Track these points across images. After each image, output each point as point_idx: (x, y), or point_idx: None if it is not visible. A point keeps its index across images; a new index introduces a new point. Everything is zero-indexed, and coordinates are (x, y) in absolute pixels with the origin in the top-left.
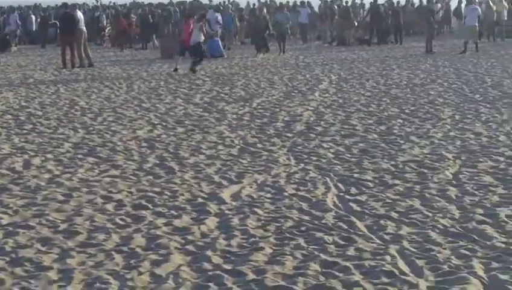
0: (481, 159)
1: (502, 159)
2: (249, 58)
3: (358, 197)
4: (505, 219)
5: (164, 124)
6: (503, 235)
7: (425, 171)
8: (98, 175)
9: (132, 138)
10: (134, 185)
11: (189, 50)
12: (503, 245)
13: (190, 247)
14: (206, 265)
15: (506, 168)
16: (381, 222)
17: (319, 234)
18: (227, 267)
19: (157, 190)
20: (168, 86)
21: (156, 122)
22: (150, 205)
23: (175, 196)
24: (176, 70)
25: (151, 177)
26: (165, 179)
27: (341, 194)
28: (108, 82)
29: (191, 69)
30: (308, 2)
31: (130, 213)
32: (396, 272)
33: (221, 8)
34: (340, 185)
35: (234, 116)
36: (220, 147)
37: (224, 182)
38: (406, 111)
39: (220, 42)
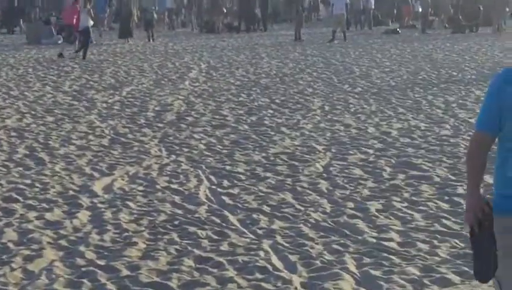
0: (351, 152)
1: (371, 151)
2: (118, 44)
3: (230, 190)
4: (376, 213)
5: (33, 112)
6: (374, 230)
7: (297, 163)
8: None
9: (1, 128)
10: (4, 176)
11: (76, 34)
12: (374, 240)
13: (63, 242)
14: (79, 261)
15: (375, 160)
16: (254, 216)
17: (192, 229)
18: (101, 262)
19: (27, 181)
20: (36, 73)
21: (24, 111)
22: (20, 198)
23: (46, 189)
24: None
25: (21, 168)
26: (36, 170)
27: (213, 187)
28: None
29: (59, 56)
30: None
31: (1, 206)
32: (270, 267)
33: None
34: (212, 177)
35: (104, 105)
36: (90, 137)
37: (96, 174)
38: (276, 101)
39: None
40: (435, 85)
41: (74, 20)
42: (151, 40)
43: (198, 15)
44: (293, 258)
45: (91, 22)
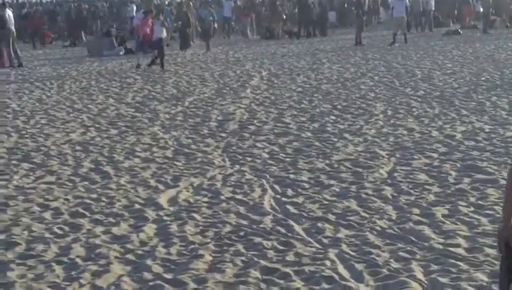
0: (415, 156)
1: (435, 155)
2: (179, 54)
3: (295, 199)
4: (442, 219)
5: (97, 125)
6: (441, 236)
7: (360, 170)
8: (34, 182)
9: (66, 142)
10: (71, 191)
11: (149, 46)
12: (440, 246)
13: (130, 256)
14: (147, 275)
15: (440, 165)
16: (319, 224)
17: (257, 239)
18: (168, 276)
19: (93, 196)
20: (99, 86)
21: (89, 124)
22: (87, 213)
23: (112, 202)
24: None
25: (87, 182)
26: (101, 184)
27: (278, 196)
28: (39, 82)
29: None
30: None
31: (68, 221)
32: (337, 277)
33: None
34: (276, 186)
35: (167, 116)
36: (154, 149)
37: (161, 186)
38: (338, 107)
39: None
40: (498, 86)
41: (148, 31)
42: (207, 51)
43: (258, 22)
44: (359, 267)
45: (165, 33)
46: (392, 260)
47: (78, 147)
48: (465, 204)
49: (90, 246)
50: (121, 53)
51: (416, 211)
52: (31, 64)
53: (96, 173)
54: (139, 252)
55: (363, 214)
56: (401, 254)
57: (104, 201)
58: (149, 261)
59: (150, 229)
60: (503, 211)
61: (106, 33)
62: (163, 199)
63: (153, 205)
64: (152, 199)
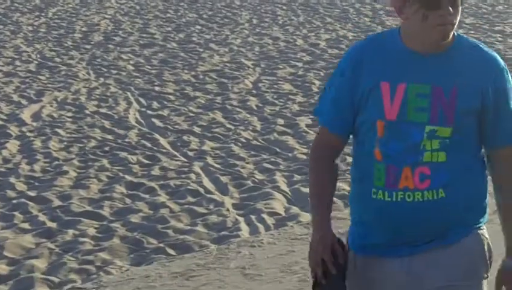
0: (280, 66)
1: (300, 64)
2: None
3: (160, 112)
4: (306, 129)
5: None
6: (304, 146)
7: (226, 81)
8: None
9: None
10: None
11: None
12: (304, 157)
13: None
14: (10, 192)
15: (304, 74)
16: (184, 137)
17: (123, 154)
18: (32, 193)
19: None
20: None
21: None
22: None
23: None
24: None
25: None
26: None
27: (143, 109)
28: None
29: None
30: None
31: None
32: (202, 190)
33: None
34: (141, 99)
35: (30, 28)
36: (17, 62)
37: (24, 101)
38: (204, 16)
39: None
40: None
41: None
42: None
43: None
44: (224, 179)
45: None
46: (256, 172)
47: None
48: None
49: None
50: None
51: (281, 121)
52: None
53: None
54: (2, 169)
55: (228, 126)
56: (265, 165)
57: None
58: (12, 179)
59: (12, 145)
60: (313, 216)
61: None
62: (26, 115)
63: (16, 121)
64: (15, 114)
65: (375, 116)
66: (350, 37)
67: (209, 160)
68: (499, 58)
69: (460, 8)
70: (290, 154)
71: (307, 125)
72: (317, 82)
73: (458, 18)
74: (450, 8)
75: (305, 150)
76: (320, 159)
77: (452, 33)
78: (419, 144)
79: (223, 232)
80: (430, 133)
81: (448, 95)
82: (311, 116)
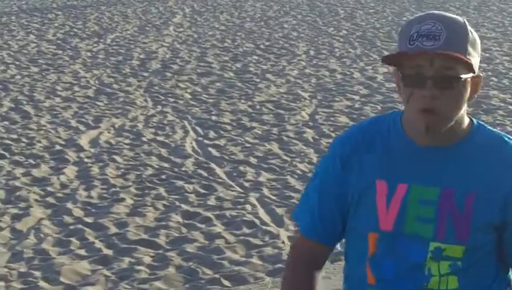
0: (336, 98)
1: (356, 98)
2: None
3: (216, 142)
4: None
5: (17, 63)
6: None
7: (282, 112)
8: None
9: None
10: None
11: None
12: None
13: (50, 199)
14: (67, 218)
15: (361, 107)
16: (241, 168)
17: (179, 183)
18: (89, 220)
19: (13, 136)
20: (19, 21)
21: (9, 62)
22: (7, 154)
23: (32, 143)
24: None
25: (6, 122)
26: (21, 124)
27: (199, 138)
28: None
29: None
30: None
31: None
32: (258, 221)
33: None
34: (198, 128)
35: (88, 53)
36: (75, 88)
37: (82, 127)
38: (261, 46)
39: None
40: None
41: None
42: None
43: None
44: (280, 211)
45: None
46: None
47: None
48: None
49: (9, 189)
50: None
51: None
52: None
53: (16, 112)
54: (60, 195)
55: (285, 158)
56: None
57: (24, 142)
58: (69, 205)
59: (70, 171)
60: None
61: None
62: (84, 140)
63: (74, 146)
64: (73, 140)
65: (367, 226)
66: None
67: (265, 191)
68: None
69: (458, 95)
70: None
71: None
72: (373, 116)
73: (454, 108)
74: (435, 90)
75: None
76: (296, 271)
77: (449, 125)
78: (422, 266)
79: (278, 265)
80: (435, 251)
81: (462, 203)
82: None
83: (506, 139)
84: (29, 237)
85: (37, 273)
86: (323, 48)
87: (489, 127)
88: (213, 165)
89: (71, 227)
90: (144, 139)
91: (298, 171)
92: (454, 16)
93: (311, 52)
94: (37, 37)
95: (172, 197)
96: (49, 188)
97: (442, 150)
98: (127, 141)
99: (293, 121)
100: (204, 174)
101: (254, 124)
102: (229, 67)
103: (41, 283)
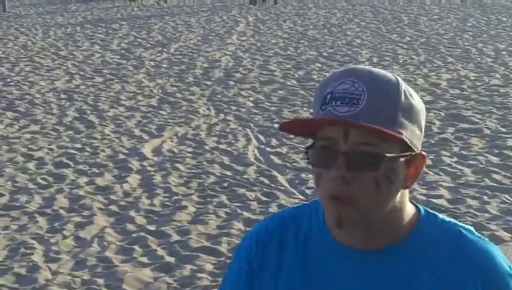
0: None
1: None
2: None
3: (278, 149)
4: (425, 169)
5: (82, 73)
6: (423, 187)
7: None
8: (18, 131)
9: (50, 90)
10: (55, 141)
11: None
12: (423, 197)
13: (113, 207)
14: (130, 226)
15: None
16: (303, 175)
17: (241, 190)
18: (151, 227)
19: (77, 146)
20: (84, 32)
21: (73, 72)
22: (71, 163)
23: (96, 152)
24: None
25: (71, 132)
26: (85, 133)
27: (262, 146)
28: (24, 28)
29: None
30: None
31: (52, 172)
32: None
33: None
34: (260, 136)
35: (152, 63)
36: (139, 97)
37: (145, 136)
38: (324, 54)
39: None
40: (485, 32)
41: None
42: None
43: None
44: None
45: None
46: None
47: (62, 95)
48: (448, 154)
49: (73, 197)
50: None
51: None
52: (16, 9)
53: (81, 122)
54: (123, 203)
55: None
56: None
57: (88, 151)
58: (132, 213)
59: (133, 180)
60: None
61: None
62: (147, 149)
63: (137, 155)
64: (136, 149)
65: None
66: (472, 78)
67: None
68: (496, 254)
69: (382, 180)
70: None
71: (427, 166)
72: (437, 122)
73: (376, 198)
74: (347, 171)
75: (425, 191)
76: None
77: (372, 219)
78: None
79: None
80: None
81: None
82: (431, 157)
83: (465, 234)
84: (92, 245)
85: (100, 281)
86: (386, 55)
87: (442, 217)
88: (275, 173)
89: (134, 235)
90: (207, 147)
91: None
92: (384, 73)
93: (374, 59)
94: (101, 47)
95: (234, 205)
96: (112, 197)
97: (372, 256)
98: (190, 150)
99: None
100: (266, 181)
101: None
102: (291, 75)
103: None
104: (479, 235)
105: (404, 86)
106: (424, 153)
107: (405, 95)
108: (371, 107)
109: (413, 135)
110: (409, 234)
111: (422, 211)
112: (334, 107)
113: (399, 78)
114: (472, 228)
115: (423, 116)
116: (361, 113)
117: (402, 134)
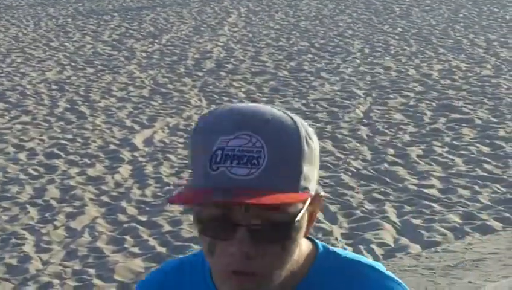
0: (391, 96)
1: (411, 95)
2: None
3: None
4: (416, 159)
5: (73, 64)
6: (415, 177)
7: (336, 109)
8: (9, 122)
9: (41, 81)
10: (46, 132)
11: None
12: (415, 187)
13: (104, 197)
14: (121, 217)
15: (416, 104)
16: None
17: None
18: (143, 218)
19: (69, 136)
20: (76, 23)
21: (65, 63)
22: (62, 154)
23: (87, 143)
24: None
25: (62, 123)
26: (77, 124)
27: None
28: (15, 20)
29: None
30: None
31: (43, 162)
32: None
33: None
34: None
35: (143, 54)
36: (130, 88)
37: (136, 127)
38: (316, 45)
39: None
40: (476, 23)
41: None
42: None
43: None
44: (333, 208)
45: None
46: (366, 202)
47: (54, 86)
48: (439, 144)
49: (65, 188)
50: None
51: (391, 151)
52: (7, 0)
53: (72, 113)
54: (114, 193)
55: (338, 155)
56: (375, 195)
57: (79, 142)
58: (124, 203)
59: (125, 170)
60: None
61: None
62: (138, 140)
63: (129, 146)
64: (127, 139)
65: None
66: (463, 68)
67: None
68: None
69: (289, 244)
70: (400, 185)
71: (418, 156)
72: (429, 113)
73: (283, 263)
74: (251, 245)
75: (416, 181)
76: None
77: (276, 281)
78: None
79: None
80: None
81: None
82: (422, 147)
83: (367, 272)
84: (83, 235)
85: (91, 271)
86: (378, 46)
87: (340, 252)
88: None
89: (125, 225)
90: None
91: (352, 169)
92: (281, 118)
93: (366, 50)
94: (92, 39)
95: None
96: (103, 187)
97: None
98: (181, 140)
99: (347, 119)
100: None
101: (308, 122)
102: (283, 66)
103: (96, 281)
104: (386, 273)
105: (303, 129)
106: (321, 192)
107: (306, 141)
108: (273, 166)
109: (315, 180)
110: (310, 268)
111: (321, 248)
112: (229, 169)
113: (297, 121)
114: (379, 265)
115: (317, 151)
116: (264, 176)
117: (308, 190)
